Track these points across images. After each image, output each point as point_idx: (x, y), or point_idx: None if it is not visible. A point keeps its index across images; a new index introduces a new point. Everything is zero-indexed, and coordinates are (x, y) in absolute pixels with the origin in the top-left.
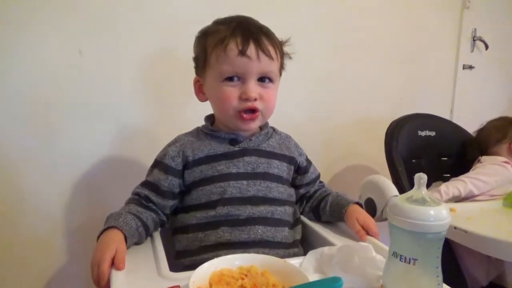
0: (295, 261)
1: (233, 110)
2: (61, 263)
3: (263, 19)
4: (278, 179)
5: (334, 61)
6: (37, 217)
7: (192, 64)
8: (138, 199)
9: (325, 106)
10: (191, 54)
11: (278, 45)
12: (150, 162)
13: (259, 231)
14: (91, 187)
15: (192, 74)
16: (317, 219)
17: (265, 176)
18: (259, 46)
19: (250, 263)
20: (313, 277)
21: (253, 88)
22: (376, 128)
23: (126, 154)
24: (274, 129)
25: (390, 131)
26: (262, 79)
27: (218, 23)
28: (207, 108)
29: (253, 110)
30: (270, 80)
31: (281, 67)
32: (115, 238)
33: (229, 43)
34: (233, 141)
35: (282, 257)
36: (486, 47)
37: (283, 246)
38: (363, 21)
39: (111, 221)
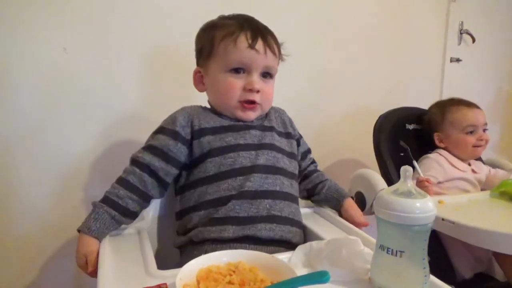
0: (283, 256)
1: (235, 100)
2: (50, 262)
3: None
4: (282, 151)
5: (322, 55)
6: (24, 215)
7: (184, 57)
8: (129, 172)
9: (314, 100)
10: (180, 47)
11: (279, 45)
12: None
13: (267, 205)
14: (80, 185)
15: (181, 68)
16: (308, 197)
17: (272, 147)
18: (266, 42)
19: (238, 259)
20: (302, 271)
21: (257, 80)
22: (364, 122)
23: (115, 151)
24: None
25: (378, 125)
26: (264, 74)
27: (225, 18)
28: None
29: (253, 102)
30: (271, 76)
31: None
32: (84, 244)
33: (239, 35)
34: (237, 121)
35: (288, 233)
36: (473, 40)
37: (289, 222)
38: (350, 15)
39: (85, 222)
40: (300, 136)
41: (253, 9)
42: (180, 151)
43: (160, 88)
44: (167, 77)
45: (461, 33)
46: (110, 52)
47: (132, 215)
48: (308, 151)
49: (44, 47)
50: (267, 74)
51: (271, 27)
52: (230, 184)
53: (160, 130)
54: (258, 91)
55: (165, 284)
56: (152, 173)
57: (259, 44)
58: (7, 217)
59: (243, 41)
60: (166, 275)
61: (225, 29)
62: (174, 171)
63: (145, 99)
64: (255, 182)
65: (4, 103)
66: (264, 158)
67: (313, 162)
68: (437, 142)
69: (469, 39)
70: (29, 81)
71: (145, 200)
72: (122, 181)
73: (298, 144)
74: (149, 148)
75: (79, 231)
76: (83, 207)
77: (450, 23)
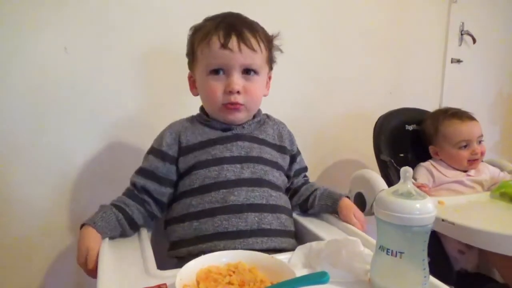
0: (283, 257)
1: (219, 103)
2: (49, 262)
3: (254, 16)
4: (272, 164)
5: (323, 56)
6: (23, 217)
7: (184, 59)
8: (132, 190)
9: (315, 101)
10: (181, 49)
11: (263, 37)
12: (140, 159)
13: (255, 218)
14: (80, 185)
15: (182, 70)
16: (303, 212)
17: (259, 160)
18: (241, 39)
19: (238, 260)
20: (302, 272)
21: (237, 81)
22: (365, 123)
23: (115, 153)
24: (268, 116)
25: (378, 126)
26: (247, 71)
27: (207, 19)
28: (198, 103)
29: (235, 103)
30: (255, 72)
31: (270, 59)
32: (88, 237)
33: (212, 37)
34: (226, 130)
35: (281, 244)
36: (474, 41)
37: (280, 234)
38: (351, 16)
39: (91, 218)
40: (298, 153)
41: (254, 9)
42: (169, 171)
43: (160, 89)
44: (167, 78)
45: (462, 34)
46: (110, 52)
47: (134, 226)
48: (304, 169)
49: (45, 46)
50: (250, 71)
51: (272, 28)
52: (213, 197)
53: (150, 151)
54: (238, 92)
55: (165, 284)
56: (149, 194)
57: (233, 42)
58: (7, 218)
59: (215, 42)
60: (166, 275)
61: (201, 32)
62: (169, 191)
63: (145, 100)
64: (240, 196)
65: (3, 103)
66: (249, 171)
67: (305, 177)
68: (432, 154)
69: (470, 40)
70: (29, 80)
71: (150, 215)
72: (127, 194)
73: (294, 161)
74: (141, 171)
75: (82, 225)
76: (82, 208)
77: (451, 24)
